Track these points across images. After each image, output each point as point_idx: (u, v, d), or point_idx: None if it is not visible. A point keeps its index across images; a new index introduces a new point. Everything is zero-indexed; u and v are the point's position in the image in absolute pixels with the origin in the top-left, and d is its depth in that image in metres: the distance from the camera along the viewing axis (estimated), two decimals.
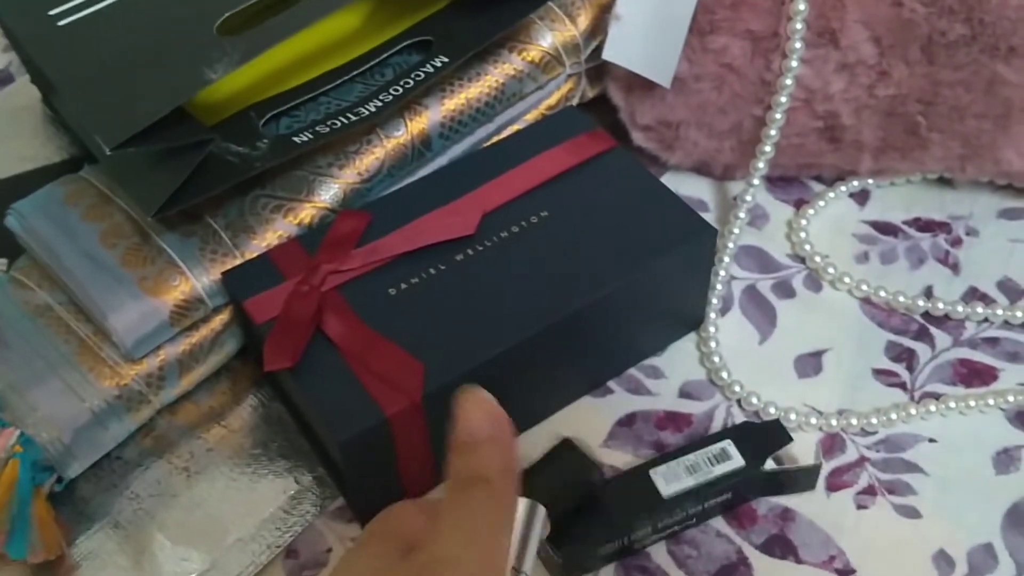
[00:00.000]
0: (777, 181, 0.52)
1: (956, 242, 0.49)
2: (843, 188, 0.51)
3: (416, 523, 0.28)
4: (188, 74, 0.40)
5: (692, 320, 0.46)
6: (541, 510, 0.30)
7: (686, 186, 0.52)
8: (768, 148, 0.47)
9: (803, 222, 0.49)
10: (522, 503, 0.29)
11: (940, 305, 0.46)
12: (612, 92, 0.51)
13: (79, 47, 0.43)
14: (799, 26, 0.44)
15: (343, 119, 0.44)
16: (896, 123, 0.47)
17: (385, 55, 0.48)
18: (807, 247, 0.48)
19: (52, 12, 0.46)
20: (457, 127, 0.47)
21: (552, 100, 0.51)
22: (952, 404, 0.43)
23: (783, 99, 0.46)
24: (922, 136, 0.47)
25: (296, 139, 0.43)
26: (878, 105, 0.46)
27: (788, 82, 0.45)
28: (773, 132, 0.46)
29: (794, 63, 0.45)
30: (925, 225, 0.50)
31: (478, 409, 0.29)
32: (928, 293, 0.47)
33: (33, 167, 0.52)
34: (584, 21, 0.51)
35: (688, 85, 0.48)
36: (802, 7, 0.43)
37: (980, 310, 0.46)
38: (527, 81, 0.49)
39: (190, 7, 0.44)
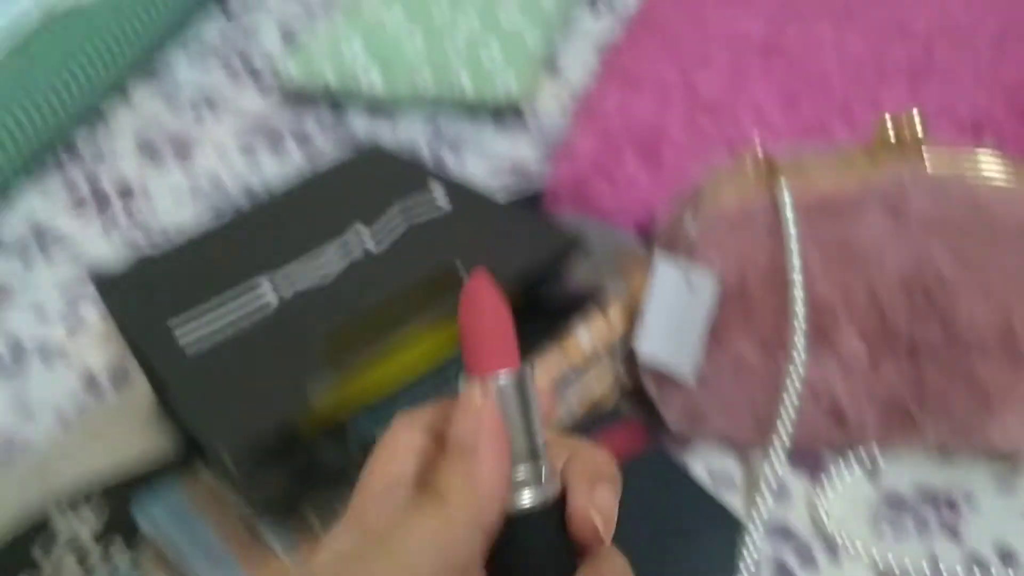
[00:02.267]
0: (796, 455, 0.58)
1: (956, 510, 0.55)
2: (854, 462, 0.57)
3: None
4: (294, 397, 0.48)
5: None
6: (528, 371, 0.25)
7: (714, 460, 0.59)
8: (783, 432, 0.54)
9: (820, 496, 0.56)
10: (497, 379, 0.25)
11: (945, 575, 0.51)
12: (646, 383, 0.59)
13: (197, 366, 0.52)
14: (799, 336, 0.52)
15: None
16: (893, 410, 0.54)
17: (449, 361, 0.56)
18: (825, 519, 0.54)
19: (170, 323, 0.55)
20: None
21: (594, 394, 0.59)
22: None
23: (792, 392, 0.53)
24: (917, 421, 0.54)
25: None
26: (875, 396, 0.54)
27: (795, 378, 0.53)
28: (785, 419, 0.54)
29: (798, 363, 0.53)
30: (930, 495, 0.56)
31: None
32: (934, 562, 0.53)
33: (148, 458, 0.61)
34: (619, 323, 0.60)
35: (709, 379, 0.56)
36: (801, 317, 0.52)
37: None
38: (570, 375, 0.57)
39: (293, 334, 0.53)
